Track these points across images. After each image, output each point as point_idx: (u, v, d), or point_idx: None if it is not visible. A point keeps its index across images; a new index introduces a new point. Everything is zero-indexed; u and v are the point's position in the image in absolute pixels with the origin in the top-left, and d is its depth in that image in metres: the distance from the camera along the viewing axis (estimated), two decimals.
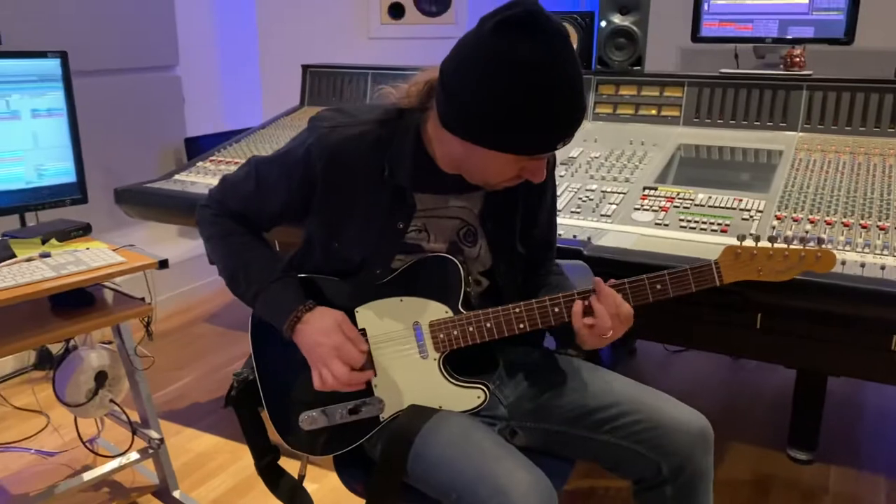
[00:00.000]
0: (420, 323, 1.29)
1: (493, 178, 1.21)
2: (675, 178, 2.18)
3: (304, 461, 1.40)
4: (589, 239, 1.88)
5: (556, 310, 1.26)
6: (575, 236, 1.91)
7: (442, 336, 1.28)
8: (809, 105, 2.33)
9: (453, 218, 1.33)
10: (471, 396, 1.28)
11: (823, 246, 1.26)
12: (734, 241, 1.28)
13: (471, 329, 1.27)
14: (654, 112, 2.55)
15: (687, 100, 2.50)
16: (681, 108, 2.51)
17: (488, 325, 1.27)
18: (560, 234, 1.89)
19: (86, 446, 1.99)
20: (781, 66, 2.45)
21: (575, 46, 2.60)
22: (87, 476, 1.84)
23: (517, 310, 1.26)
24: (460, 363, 1.31)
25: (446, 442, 1.19)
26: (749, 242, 1.26)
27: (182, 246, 3.44)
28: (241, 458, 2.25)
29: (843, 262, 1.67)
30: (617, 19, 2.56)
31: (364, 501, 1.30)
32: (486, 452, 1.15)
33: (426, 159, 1.26)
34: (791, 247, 1.25)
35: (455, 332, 1.28)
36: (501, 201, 1.33)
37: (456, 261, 1.29)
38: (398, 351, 1.29)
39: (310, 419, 1.29)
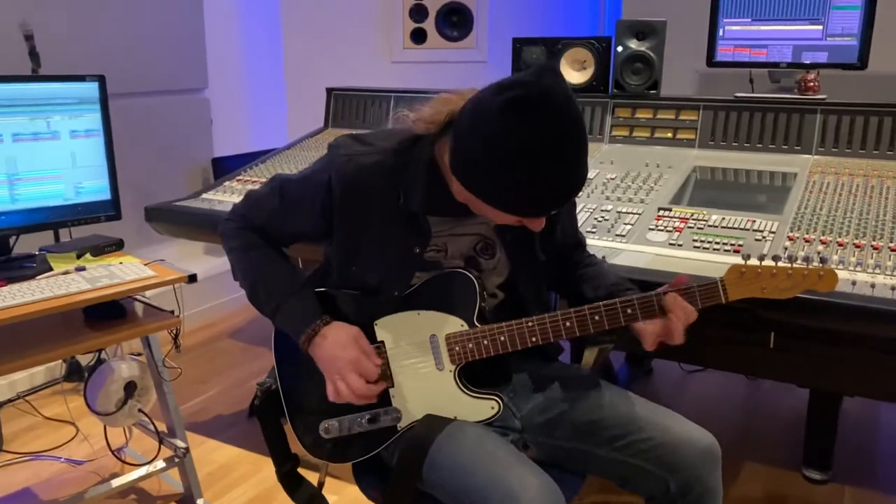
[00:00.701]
0: (437, 336, 1.34)
1: (495, 220, 1.28)
2: (691, 199, 2.22)
3: (324, 469, 1.46)
4: (604, 258, 1.93)
5: (569, 324, 1.31)
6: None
7: (458, 349, 1.33)
8: (823, 128, 2.36)
9: (470, 234, 1.39)
10: (485, 407, 1.33)
11: (826, 265, 1.30)
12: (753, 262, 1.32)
13: (485, 342, 1.33)
14: (669, 135, 2.60)
15: (702, 123, 2.55)
16: (696, 131, 2.55)
17: (502, 338, 1.32)
18: None
19: (114, 455, 2.06)
20: (796, 91, 2.49)
21: (592, 72, 2.69)
22: (115, 483, 1.90)
23: (531, 324, 1.31)
24: (475, 375, 1.36)
25: (460, 450, 1.24)
26: (754, 262, 1.30)
27: (208, 263, 3.53)
28: (263, 469, 2.31)
29: (854, 283, 1.69)
30: (633, 44, 2.62)
31: None
32: (499, 460, 1.20)
33: (441, 184, 1.31)
34: (794, 266, 1.30)
35: (470, 345, 1.33)
36: None
37: (471, 276, 1.34)
38: (415, 363, 1.35)
39: (329, 428, 1.35)
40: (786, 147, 2.41)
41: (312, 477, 1.49)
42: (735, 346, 1.99)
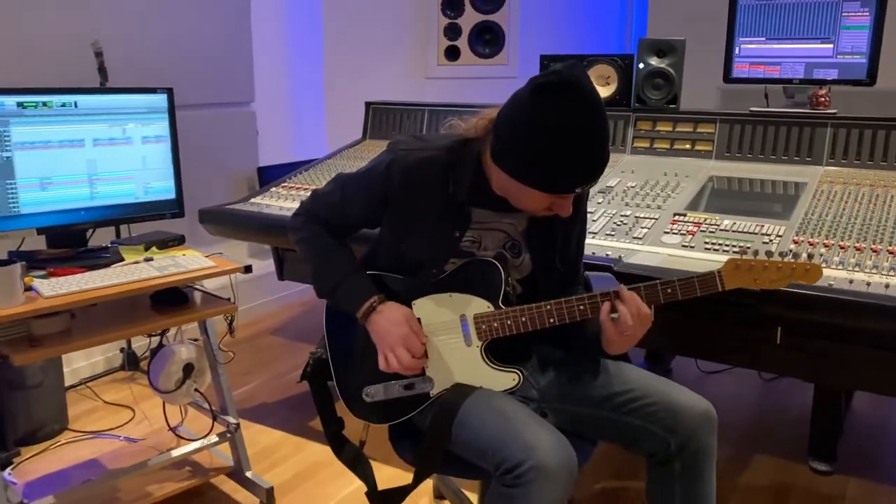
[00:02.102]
0: (466, 315, 1.53)
1: (528, 207, 1.46)
2: (705, 206, 2.37)
3: (365, 429, 1.64)
4: (620, 257, 2.09)
5: (582, 307, 1.48)
6: (608, 255, 2.12)
7: (484, 327, 1.52)
8: (833, 141, 2.50)
9: (501, 231, 1.58)
10: (507, 379, 1.51)
11: (811, 261, 1.45)
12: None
13: (509, 322, 1.51)
14: (688, 146, 2.76)
15: (719, 135, 2.70)
16: (713, 143, 2.71)
17: (524, 318, 1.50)
18: (593, 253, 2.12)
19: (171, 430, 2.26)
20: (808, 105, 2.64)
21: (615, 87, 2.87)
22: (174, 453, 2.10)
23: (548, 307, 1.49)
24: (500, 352, 1.54)
25: (485, 412, 1.42)
26: (749, 256, 1.47)
27: (253, 264, 3.74)
28: (304, 450, 2.50)
29: (851, 281, 1.84)
30: (654, 61, 2.79)
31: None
32: (518, 419, 1.38)
33: (484, 181, 1.50)
34: (785, 261, 1.46)
35: (495, 324, 1.51)
36: (542, 224, 1.57)
37: (498, 264, 1.53)
38: (447, 338, 1.53)
39: (371, 392, 1.54)
40: (798, 158, 2.56)
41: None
42: (743, 341, 2.13)
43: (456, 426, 1.43)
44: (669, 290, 1.46)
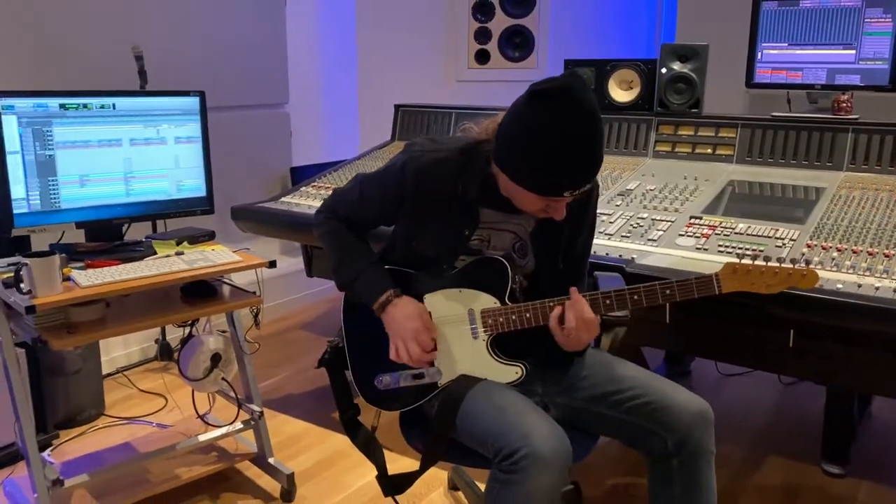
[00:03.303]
0: (474, 310, 1.60)
1: (526, 208, 1.53)
2: (723, 210, 2.40)
3: (377, 416, 1.72)
4: (633, 258, 2.14)
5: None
6: (621, 255, 2.17)
7: (490, 321, 1.59)
8: (854, 146, 2.51)
9: (510, 232, 1.64)
10: (510, 371, 1.57)
11: (809, 267, 1.49)
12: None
13: (514, 317, 1.57)
14: (709, 151, 2.78)
15: (740, 140, 2.72)
16: (734, 148, 2.73)
17: (528, 314, 1.56)
18: (607, 254, 2.17)
19: (200, 418, 2.37)
20: (830, 111, 2.65)
21: (638, 91, 2.91)
22: (201, 438, 2.21)
23: (551, 304, 1.55)
24: (505, 346, 1.61)
25: (487, 402, 1.48)
26: (747, 261, 1.51)
27: (283, 261, 3.85)
28: (327, 440, 2.59)
29: (860, 285, 1.86)
30: (676, 66, 2.82)
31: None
32: (517, 409, 1.44)
33: (493, 182, 1.57)
34: (782, 266, 1.50)
35: (501, 319, 1.58)
36: (549, 227, 1.63)
37: (505, 262, 1.59)
38: (455, 331, 1.61)
39: (383, 380, 1.62)
40: (818, 163, 2.57)
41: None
42: (757, 343, 2.16)
43: (460, 416, 1.50)
44: (668, 292, 1.51)
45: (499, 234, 1.63)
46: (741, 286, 1.51)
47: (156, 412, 2.79)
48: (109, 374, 3.07)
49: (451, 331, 1.61)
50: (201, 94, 2.19)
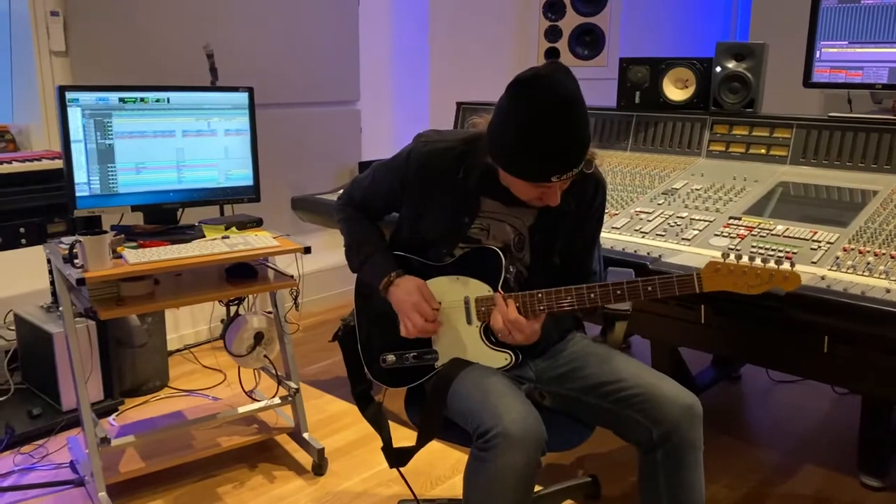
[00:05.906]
0: (469, 297, 1.66)
1: (521, 195, 1.57)
2: (769, 211, 2.35)
3: (383, 391, 1.82)
4: (660, 256, 2.14)
5: (570, 299, 1.59)
6: (649, 253, 2.17)
7: (483, 309, 1.65)
8: None
9: (509, 224, 1.70)
10: (500, 357, 1.63)
11: (792, 269, 1.47)
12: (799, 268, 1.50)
13: None
14: (763, 151, 2.71)
15: (795, 140, 2.64)
16: (788, 148, 2.66)
17: (517, 304, 1.61)
18: (636, 251, 2.18)
19: (245, 393, 2.54)
20: (892, 112, 2.54)
21: (693, 90, 2.87)
22: (241, 409, 2.37)
23: (539, 295, 1.59)
24: None
25: (473, 384, 1.55)
26: (731, 260, 1.50)
27: (338, 255, 4.02)
28: (364, 421, 2.67)
29: (888, 290, 1.80)
30: (731, 65, 2.77)
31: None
32: (497, 391, 1.50)
33: (494, 173, 1.62)
34: (766, 266, 1.48)
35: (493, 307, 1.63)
36: (549, 222, 1.67)
37: (500, 252, 1.65)
38: (452, 316, 1.68)
39: (387, 359, 1.73)
40: (875, 166, 2.47)
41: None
42: (791, 349, 2.12)
43: (450, 395, 1.58)
44: (650, 288, 1.53)
45: (499, 224, 1.69)
46: (723, 285, 1.50)
47: (214, 387, 2.99)
48: (177, 350, 3.32)
49: (449, 316, 1.68)
50: (250, 90, 2.35)
